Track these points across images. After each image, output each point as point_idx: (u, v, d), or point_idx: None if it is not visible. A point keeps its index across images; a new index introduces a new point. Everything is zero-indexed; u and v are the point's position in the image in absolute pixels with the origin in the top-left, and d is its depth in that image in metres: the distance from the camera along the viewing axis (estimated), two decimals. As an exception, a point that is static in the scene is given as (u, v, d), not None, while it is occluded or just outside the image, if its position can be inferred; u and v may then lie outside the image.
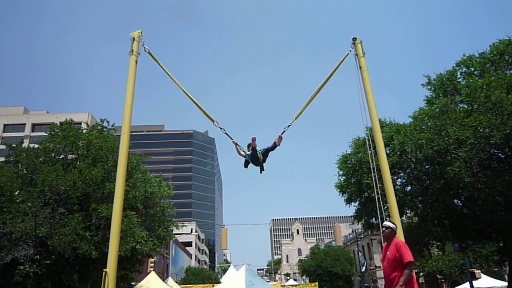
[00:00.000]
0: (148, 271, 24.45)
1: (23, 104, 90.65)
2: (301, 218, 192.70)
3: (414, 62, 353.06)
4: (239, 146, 7.79)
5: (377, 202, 7.74)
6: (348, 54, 8.43)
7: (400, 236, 6.83)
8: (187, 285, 28.28)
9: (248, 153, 7.72)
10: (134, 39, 7.98)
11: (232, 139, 7.74)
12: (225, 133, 7.74)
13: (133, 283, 20.55)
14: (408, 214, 20.59)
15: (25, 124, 79.79)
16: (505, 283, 23.76)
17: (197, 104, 7.90)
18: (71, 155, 17.61)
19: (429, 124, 16.05)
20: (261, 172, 7.68)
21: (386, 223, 6.11)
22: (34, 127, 78.81)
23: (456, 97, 16.80)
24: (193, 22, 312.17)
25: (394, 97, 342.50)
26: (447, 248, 26.82)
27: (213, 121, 7.81)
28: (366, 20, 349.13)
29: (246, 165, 7.77)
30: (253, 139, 7.49)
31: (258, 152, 7.58)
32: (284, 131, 7.73)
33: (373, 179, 7.76)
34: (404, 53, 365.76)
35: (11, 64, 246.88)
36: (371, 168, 7.97)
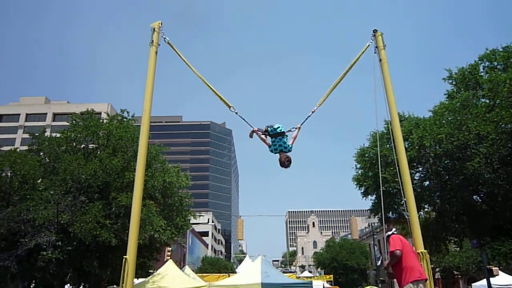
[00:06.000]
0: (165, 260, 24.88)
1: (44, 94, 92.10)
2: (317, 211, 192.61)
3: (433, 57, 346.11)
4: (259, 132, 7.33)
5: (381, 195, 7.72)
6: (369, 45, 8.32)
7: (417, 230, 6.82)
8: (204, 274, 28.65)
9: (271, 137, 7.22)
10: (154, 29, 8.04)
11: (251, 126, 7.37)
12: (242, 118, 7.49)
13: (151, 271, 20.96)
14: (426, 209, 20.40)
15: (46, 113, 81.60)
16: (524, 281, 23.37)
17: (214, 90, 7.82)
18: (91, 145, 17.96)
19: (449, 118, 15.84)
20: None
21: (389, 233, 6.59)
22: (55, 116, 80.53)
23: (478, 92, 16.49)
24: (200, 26, 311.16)
25: (413, 91, 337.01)
26: (464, 244, 26.48)
27: (229, 106, 7.61)
28: (384, 13, 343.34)
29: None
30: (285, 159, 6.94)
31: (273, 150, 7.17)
32: (308, 117, 7.61)
33: (379, 171, 7.72)
34: (423, 47, 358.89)
35: (33, 55, 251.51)
36: (385, 161, 7.90)
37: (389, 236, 6.51)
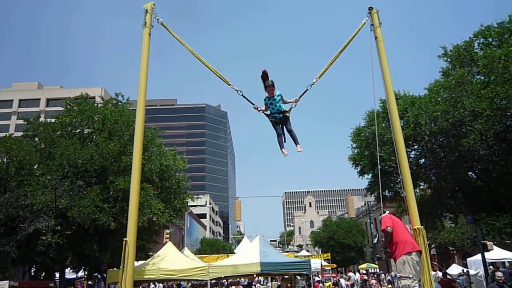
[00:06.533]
0: (164, 242, 25.13)
1: (37, 79, 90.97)
2: (314, 191, 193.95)
3: (429, 33, 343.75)
4: (259, 108, 7.54)
5: (379, 174, 7.80)
6: (365, 23, 8.24)
7: (413, 208, 6.91)
8: (203, 255, 29.00)
9: (267, 101, 7.48)
10: (147, 11, 7.90)
11: (252, 103, 7.49)
12: (243, 95, 7.55)
13: (150, 253, 21.17)
14: (421, 187, 20.58)
15: (39, 99, 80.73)
16: (517, 255, 23.84)
17: (212, 70, 7.80)
18: (87, 129, 17.90)
19: (444, 96, 15.83)
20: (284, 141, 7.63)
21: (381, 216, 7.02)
22: (49, 102, 79.69)
23: (473, 68, 16.46)
24: (198, 22, 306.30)
25: (409, 69, 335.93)
26: (459, 220, 26.87)
27: (229, 84, 7.69)
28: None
29: (275, 124, 7.50)
30: (273, 84, 7.32)
31: (277, 116, 7.44)
32: (306, 90, 7.64)
33: (377, 149, 7.76)
34: (419, 24, 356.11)
35: (23, 39, 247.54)
36: (378, 140, 7.94)
37: (381, 218, 6.82)
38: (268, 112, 7.55)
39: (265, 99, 7.54)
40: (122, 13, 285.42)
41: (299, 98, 7.63)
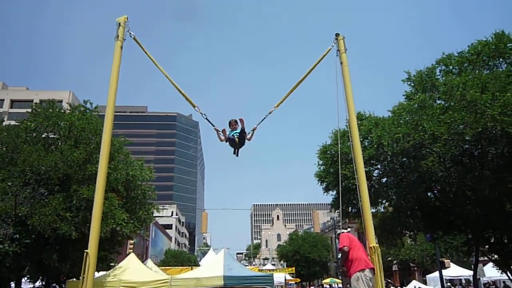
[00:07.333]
0: (127, 253, 24.71)
1: (1, 79, 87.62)
2: (282, 204, 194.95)
3: (397, 57, 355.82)
4: (220, 132, 7.97)
5: (340, 192, 8.12)
6: (330, 49, 8.67)
7: (369, 226, 7.23)
8: (166, 267, 28.58)
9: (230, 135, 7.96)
10: (120, 24, 8.02)
11: (213, 126, 7.90)
12: (206, 118, 7.85)
13: (112, 264, 20.73)
14: (383, 205, 21.19)
15: (3, 100, 77.94)
16: (472, 272, 24.83)
17: (179, 90, 8.04)
18: (52, 135, 17.50)
19: (406, 118, 16.48)
20: (236, 154, 8.02)
21: (339, 232, 7.30)
22: (13, 103, 77.11)
23: (434, 94, 17.26)
24: (196, 23, 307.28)
25: (375, 89, 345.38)
26: (419, 238, 27.81)
27: (194, 106, 7.91)
28: (350, 11, 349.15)
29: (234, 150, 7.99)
30: (236, 122, 7.93)
31: (235, 135, 7.88)
32: (265, 117, 8.02)
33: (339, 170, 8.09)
34: (387, 48, 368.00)
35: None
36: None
37: (338, 234, 7.07)
38: (227, 137, 7.93)
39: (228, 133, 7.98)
40: (94, 17, 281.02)
41: (257, 126, 8.02)
